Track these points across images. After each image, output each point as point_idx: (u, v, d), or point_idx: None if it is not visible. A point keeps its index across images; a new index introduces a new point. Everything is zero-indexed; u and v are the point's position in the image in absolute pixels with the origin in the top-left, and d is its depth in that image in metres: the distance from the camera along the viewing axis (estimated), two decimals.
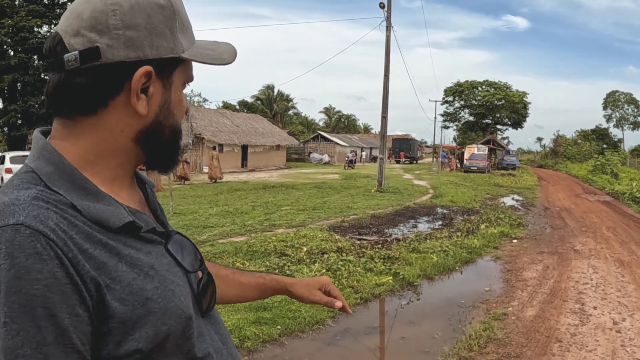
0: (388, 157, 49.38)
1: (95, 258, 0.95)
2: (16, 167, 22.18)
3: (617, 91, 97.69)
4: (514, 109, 75.59)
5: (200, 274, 1.20)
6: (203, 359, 1.10)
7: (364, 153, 75.63)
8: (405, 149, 74.01)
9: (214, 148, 33.83)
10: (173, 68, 1.12)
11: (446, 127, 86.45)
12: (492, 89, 77.35)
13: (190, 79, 1.20)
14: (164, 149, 1.17)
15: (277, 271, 8.85)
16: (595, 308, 7.70)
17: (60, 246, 0.90)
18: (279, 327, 6.57)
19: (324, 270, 8.86)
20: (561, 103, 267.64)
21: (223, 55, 1.19)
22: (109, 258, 0.97)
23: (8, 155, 23.49)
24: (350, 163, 54.32)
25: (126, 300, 0.96)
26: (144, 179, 1.29)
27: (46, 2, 33.57)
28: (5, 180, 22.66)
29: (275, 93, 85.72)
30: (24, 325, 0.86)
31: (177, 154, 1.22)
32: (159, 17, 1.07)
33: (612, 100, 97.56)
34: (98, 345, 0.95)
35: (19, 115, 32.33)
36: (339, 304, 1.66)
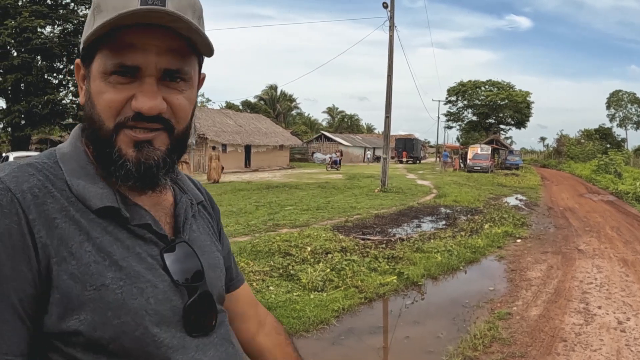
0: (392, 157, 49.28)
1: (61, 229, 1.00)
2: None
3: (620, 90, 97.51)
4: (517, 109, 75.50)
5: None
6: None
7: (368, 153, 75.67)
8: (408, 149, 73.97)
9: (213, 148, 33.75)
10: (92, 57, 1.08)
11: (449, 127, 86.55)
12: (495, 89, 77.25)
13: (110, 66, 1.04)
14: (95, 146, 1.11)
15: (281, 271, 8.88)
16: (599, 307, 7.70)
17: (24, 207, 0.97)
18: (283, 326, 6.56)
19: (328, 270, 8.86)
20: (564, 102, 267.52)
21: (117, 7, 1.02)
22: (76, 234, 1.01)
23: (12, 155, 23.48)
24: (334, 164, 49.50)
25: (77, 278, 0.98)
26: (186, 190, 1.31)
27: (49, 3, 33.64)
28: None
29: (279, 93, 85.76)
30: None
31: (114, 161, 1.08)
32: (91, 8, 1.09)
33: (615, 100, 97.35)
34: (42, 314, 0.98)
35: (22, 116, 32.43)
36: None
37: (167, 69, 1.07)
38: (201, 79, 1.23)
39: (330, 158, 51.63)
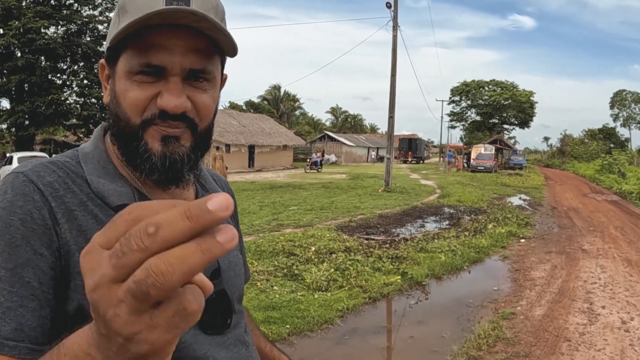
0: (395, 157, 49.05)
1: (80, 220, 1.04)
2: None
3: (624, 90, 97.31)
4: (521, 109, 75.54)
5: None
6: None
7: (372, 153, 75.66)
8: (412, 149, 73.98)
9: (217, 148, 33.72)
10: (116, 57, 1.10)
11: (453, 127, 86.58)
12: (499, 89, 77.35)
13: (135, 66, 1.06)
14: (121, 141, 1.13)
15: (285, 270, 8.91)
16: (603, 307, 7.71)
17: (45, 195, 1.01)
18: (287, 326, 6.60)
19: (332, 270, 8.88)
20: (568, 102, 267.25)
21: (142, 8, 1.03)
22: (94, 226, 1.04)
23: (16, 155, 23.58)
24: (315, 165, 46.22)
25: None
26: (208, 188, 1.34)
27: (53, 4, 33.68)
28: None
29: (282, 93, 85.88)
30: None
31: (140, 154, 1.11)
32: (116, 10, 1.12)
33: (619, 100, 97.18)
34: (65, 299, 1.00)
35: (26, 116, 32.47)
36: None
37: (192, 68, 1.08)
38: (223, 79, 1.24)
39: (310, 159, 48.14)
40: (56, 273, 0.99)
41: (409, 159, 71.85)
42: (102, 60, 1.17)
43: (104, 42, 1.17)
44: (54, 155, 1.19)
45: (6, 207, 0.99)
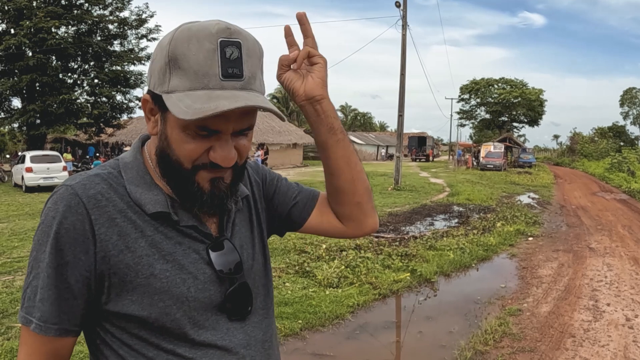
0: (405, 155, 48.80)
1: (120, 227, 1.23)
2: (36, 166, 22.46)
3: (634, 88, 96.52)
4: (531, 107, 75.08)
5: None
6: (202, 344, 1.28)
7: (382, 151, 75.50)
8: (421, 146, 73.77)
9: None
10: (164, 104, 1.21)
11: (462, 125, 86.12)
12: (508, 87, 76.87)
13: (192, 127, 1.19)
14: (169, 175, 1.28)
15: (297, 267, 9.09)
16: (608, 305, 7.83)
17: (88, 208, 1.21)
18: (300, 321, 6.77)
19: (343, 267, 9.03)
20: (578, 100, 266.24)
21: (211, 105, 1.13)
22: (132, 231, 1.24)
23: (28, 154, 23.69)
24: None
25: (131, 267, 1.23)
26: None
27: (64, 4, 33.71)
28: (25, 180, 22.87)
29: None
30: (42, 248, 1.21)
31: (192, 193, 1.27)
32: (159, 55, 1.23)
33: (629, 98, 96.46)
34: (99, 294, 1.25)
35: (38, 115, 32.55)
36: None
37: (242, 128, 1.26)
38: None
39: (251, 157, 40.23)
40: (91, 274, 1.23)
41: (419, 157, 71.43)
42: (147, 97, 1.29)
43: (146, 80, 1.34)
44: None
45: (56, 216, 1.20)
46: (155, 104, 1.26)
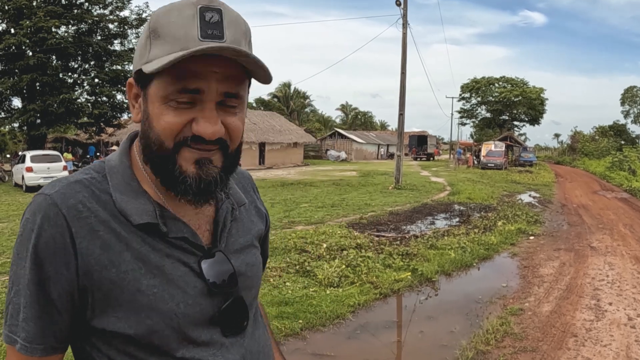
0: (406, 154, 48.84)
1: (102, 239, 1.15)
2: (36, 166, 22.50)
3: (635, 86, 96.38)
4: (531, 105, 75.04)
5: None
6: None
7: (382, 149, 75.53)
8: (421, 145, 73.78)
9: None
10: (148, 81, 1.15)
11: (463, 124, 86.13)
12: (509, 85, 76.87)
13: (172, 92, 1.12)
14: (151, 159, 1.19)
15: (297, 267, 9.06)
16: (610, 304, 7.81)
17: (68, 219, 1.13)
18: (300, 321, 6.74)
19: (344, 266, 9.01)
20: (579, 99, 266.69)
21: (178, 36, 1.10)
22: (116, 244, 1.15)
23: (28, 154, 23.74)
24: None
25: (116, 283, 1.14)
26: (229, 194, 1.39)
27: (64, 3, 33.72)
28: (26, 179, 22.91)
29: (292, 90, 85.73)
30: (21, 263, 1.14)
31: (175, 177, 1.17)
32: (142, 34, 1.19)
33: (629, 96, 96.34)
34: (84, 309, 1.17)
35: (38, 115, 32.56)
36: None
37: (227, 92, 1.14)
38: None
39: None
40: (74, 289, 1.14)
41: (435, 156, 71.06)
42: (131, 80, 1.24)
43: (132, 64, 1.28)
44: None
45: (34, 228, 1.12)
46: (138, 84, 1.21)
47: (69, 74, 35.75)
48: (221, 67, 1.12)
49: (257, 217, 1.51)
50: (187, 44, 1.09)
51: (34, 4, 31.93)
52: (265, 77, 1.18)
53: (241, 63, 1.14)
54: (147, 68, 1.12)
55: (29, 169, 22.83)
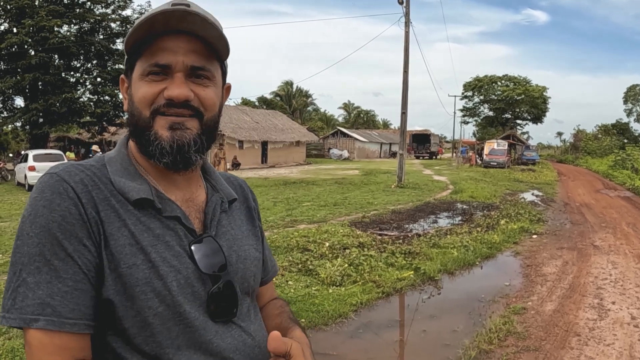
0: (408, 153, 48.84)
1: (104, 214, 1.21)
2: (39, 165, 22.54)
3: (637, 85, 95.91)
4: (534, 104, 74.96)
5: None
6: (187, 347, 1.22)
7: (385, 148, 75.55)
8: (425, 143, 73.73)
9: (220, 146, 32.69)
10: (132, 67, 1.32)
11: (466, 123, 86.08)
12: (512, 84, 76.77)
13: (146, 68, 1.27)
14: (135, 132, 1.31)
15: (299, 266, 9.04)
16: (613, 303, 7.78)
17: (78, 192, 1.19)
18: (302, 320, 6.71)
19: (346, 265, 8.99)
20: (581, 97, 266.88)
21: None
22: (115, 219, 1.21)
23: (31, 153, 23.81)
24: None
25: (115, 256, 1.18)
26: (218, 188, 1.50)
27: (66, 2, 33.79)
28: (28, 178, 22.96)
29: (294, 89, 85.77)
30: (42, 240, 1.14)
31: (151, 142, 1.27)
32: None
33: (632, 95, 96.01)
34: (101, 282, 1.19)
35: (40, 114, 32.64)
36: None
37: (193, 65, 1.27)
38: (226, 88, 1.45)
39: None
40: (96, 260, 1.17)
41: (438, 155, 71.07)
42: (122, 76, 1.39)
43: (119, 46, 1.42)
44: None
45: (46, 205, 1.15)
46: (127, 75, 1.35)
47: (72, 73, 35.90)
48: (186, 42, 1.26)
49: (249, 223, 1.58)
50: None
51: (36, 3, 32.05)
52: (225, 48, 1.33)
53: (206, 39, 1.27)
54: (125, 43, 1.29)
55: (32, 168, 22.86)
